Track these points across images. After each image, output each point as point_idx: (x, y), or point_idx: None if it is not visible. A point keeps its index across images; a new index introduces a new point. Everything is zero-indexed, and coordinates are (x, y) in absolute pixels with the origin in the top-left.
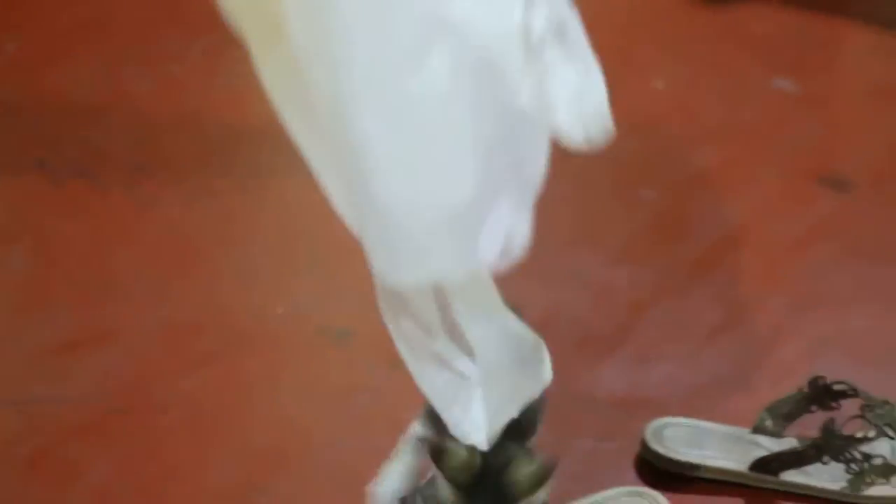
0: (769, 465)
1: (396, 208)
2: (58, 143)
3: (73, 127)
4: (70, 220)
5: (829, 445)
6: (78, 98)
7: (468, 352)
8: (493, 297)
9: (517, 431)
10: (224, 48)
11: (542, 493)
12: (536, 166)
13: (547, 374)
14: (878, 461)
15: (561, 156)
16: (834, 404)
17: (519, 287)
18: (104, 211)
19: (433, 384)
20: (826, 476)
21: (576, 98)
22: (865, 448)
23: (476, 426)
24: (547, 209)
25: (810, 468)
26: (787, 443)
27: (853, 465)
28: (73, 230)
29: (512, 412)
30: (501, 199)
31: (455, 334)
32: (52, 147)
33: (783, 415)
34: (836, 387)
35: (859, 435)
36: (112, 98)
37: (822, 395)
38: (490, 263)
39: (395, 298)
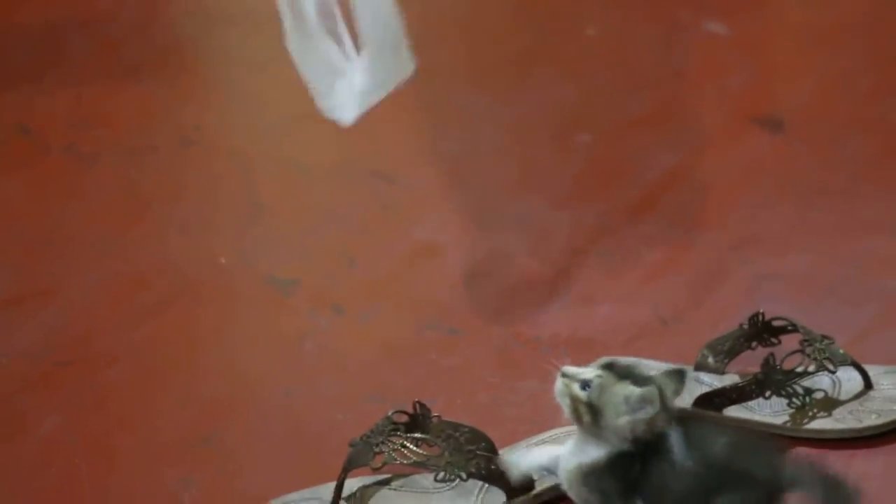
0: (712, 401)
1: None
2: None
3: (13, 85)
4: (10, 177)
5: (770, 380)
6: (16, 55)
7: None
8: None
9: None
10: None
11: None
12: None
13: (410, 63)
14: (819, 395)
15: (499, 106)
16: (774, 340)
17: (462, 233)
18: (45, 167)
19: (307, 56)
20: (768, 411)
21: None
22: (806, 382)
23: (346, 101)
24: (486, 157)
25: (752, 403)
26: (729, 379)
27: (795, 400)
28: (13, 187)
29: (381, 94)
30: None
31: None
32: None
33: (724, 351)
34: (776, 322)
35: (800, 369)
36: (50, 55)
37: (761, 331)
38: None
39: None
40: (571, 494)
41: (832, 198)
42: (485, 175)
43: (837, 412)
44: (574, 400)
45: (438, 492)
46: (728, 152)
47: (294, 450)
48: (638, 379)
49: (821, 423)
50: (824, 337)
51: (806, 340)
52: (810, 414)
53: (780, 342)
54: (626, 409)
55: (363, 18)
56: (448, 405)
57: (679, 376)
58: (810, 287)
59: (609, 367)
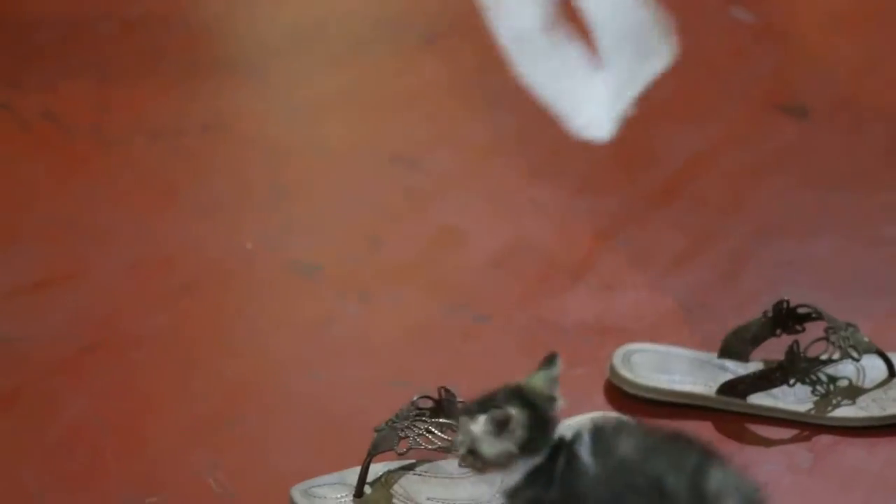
0: (736, 388)
1: None
2: (21, 85)
3: (38, 69)
4: (37, 161)
5: (794, 368)
6: (41, 40)
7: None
8: None
9: None
10: None
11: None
12: None
13: (666, 55)
14: (843, 383)
15: (521, 94)
16: (798, 327)
17: (485, 218)
18: (70, 151)
19: (547, 76)
20: (792, 398)
21: None
22: (830, 370)
23: (598, 113)
24: (510, 142)
25: (776, 391)
26: (753, 366)
27: (819, 387)
28: (40, 171)
29: (632, 94)
30: None
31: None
32: (16, 89)
33: (748, 339)
34: (801, 310)
35: (824, 357)
36: (75, 39)
37: (786, 318)
38: None
39: None
40: None
41: (857, 185)
42: (508, 161)
43: (861, 400)
44: (462, 458)
45: (463, 477)
46: (753, 139)
47: (319, 433)
48: (489, 406)
49: (844, 412)
50: (849, 324)
51: (830, 328)
52: (834, 402)
53: (804, 329)
54: (490, 438)
55: (601, 23)
56: (472, 391)
57: (549, 363)
58: (835, 274)
59: (469, 410)
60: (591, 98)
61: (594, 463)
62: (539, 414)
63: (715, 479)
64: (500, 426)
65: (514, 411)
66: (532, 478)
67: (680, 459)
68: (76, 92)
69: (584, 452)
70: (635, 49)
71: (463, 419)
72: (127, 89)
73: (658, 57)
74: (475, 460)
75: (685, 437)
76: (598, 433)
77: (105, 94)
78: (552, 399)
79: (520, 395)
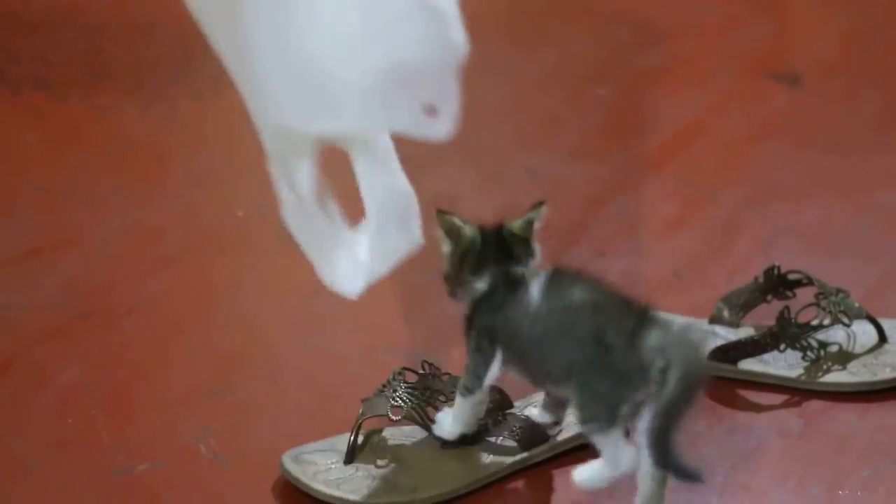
0: (727, 354)
1: (329, 65)
2: (14, 54)
3: (29, 38)
4: (29, 129)
5: (785, 333)
6: (33, 9)
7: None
8: (391, 157)
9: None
10: None
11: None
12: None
13: (418, 235)
14: (833, 348)
15: (516, 58)
16: (789, 293)
17: (478, 186)
18: (62, 119)
19: (308, 235)
20: (783, 364)
21: None
22: (821, 335)
23: (351, 276)
24: (503, 109)
25: (767, 356)
26: (744, 332)
27: (809, 353)
28: (32, 139)
29: (386, 266)
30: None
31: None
32: (8, 58)
33: (739, 305)
34: (791, 276)
35: (814, 322)
36: (67, 8)
37: (776, 284)
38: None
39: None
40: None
41: (848, 152)
42: (502, 129)
43: (852, 365)
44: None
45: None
46: (744, 107)
47: (309, 400)
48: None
49: (835, 377)
50: (839, 290)
51: (821, 293)
52: (825, 367)
53: (794, 295)
54: (443, 241)
55: (366, 190)
56: (463, 358)
57: (534, 207)
58: (826, 241)
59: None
60: (346, 257)
61: (541, 300)
62: (496, 243)
63: (653, 337)
64: (448, 233)
65: (460, 222)
66: (481, 305)
67: (623, 317)
68: (68, 60)
69: (535, 289)
70: (394, 226)
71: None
72: (120, 59)
73: (411, 238)
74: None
75: (634, 300)
76: (556, 276)
77: (98, 64)
78: (520, 236)
79: (490, 227)
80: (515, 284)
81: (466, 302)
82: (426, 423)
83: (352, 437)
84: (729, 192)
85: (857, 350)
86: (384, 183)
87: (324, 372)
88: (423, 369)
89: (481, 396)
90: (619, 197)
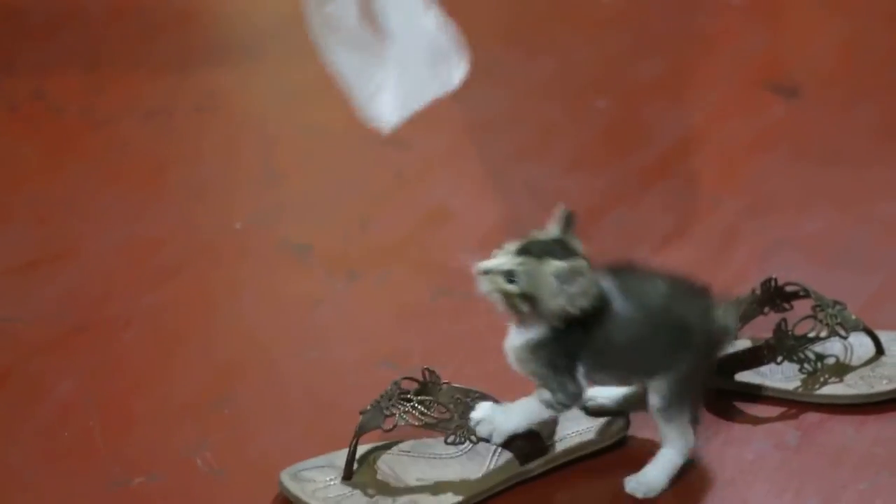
0: (724, 366)
1: None
2: (11, 66)
3: (27, 49)
4: (26, 140)
5: (782, 345)
6: (31, 20)
7: (383, 38)
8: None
9: None
10: None
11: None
12: None
13: (456, 77)
14: (830, 360)
15: (513, 70)
16: (786, 305)
17: (475, 198)
18: (60, 131)
19: (348, 66)
20: (780, 376)
21: None
22: (818, 348)
23: (385, 110)
24: (500, 122)
25: (764, 369)
26: (741, 344)
27: (806, 365)
28: (29, 151)
29: (419, 104)
30: None
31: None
32: (6, 69)
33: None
34: (788, 288)
35: (811, 335)
36: (64, 19)
37: (774, 296)
38: None
39: None
40: (519, 369)
41: (846, 164)
42: (499, 140)
43: (849, 378)
44: (507, 296)
45: (451, 457)
46: (743, 118)
47: (307, 413)
48: (558, 253)
49: (832, 389)
50: (836, 302)
51: (818, 306)
52: (822, 379)
53: (792, 307)
54: (559, 288)
55: (400, 28)
56: (460, 371)
57: (566, 219)
58: (823, 253)
59: (526, 250)
60: (384, 94)
61: (625, 307)
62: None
63: (717, 316)
64: (574, 276)
65: (585, 265)
66: (560, 334)
67: (693, 302)
68: (67, 73)
69: (616, 299)
70: (429, 60)
71: (528, 259)
72: (118, 70)
73: (450, 74)
74: (523, 306)
75: (695, 282)
76: (622, 277)
77: (96, 75)
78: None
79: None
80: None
81: (544, 329)
82: (424, 423)
83: (349, 453)
84: (727, 203)
85: (854, 362)
86: (416, 22)
87: (323, 384)
88: (424, 377)
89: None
90: (617, 208)
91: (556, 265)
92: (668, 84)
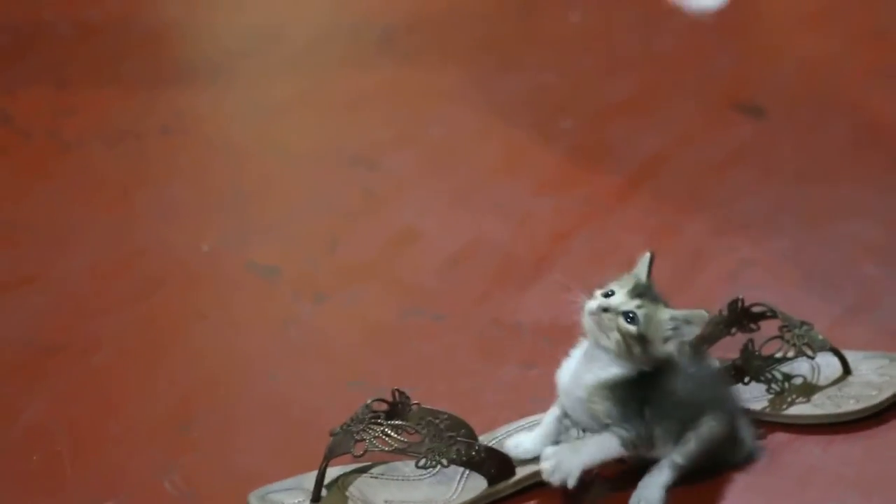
0: None
1: None
2: None
3: None
4: None
5: (749, 366)
6: None
7: None
8: None
9: None
10: None
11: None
12: None
13: None
14: (798, 381)
15: (482, 91)
16: (753, 326)
17: (444, 218)
18: (27, 154)
19: None
20: (747, 396)
21: None
22: (785, 368)
23: None
24: (468, 142)
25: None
26: None
27: (774, 385)
28: None
29: None
30: None
31: None
32: None
33: (703, 337)
34: (755, 309)
35: (779, 355)
36: (30, 42)
37: (741, 317)
38: None
39: None
40: (583, 405)
41: (813, 183)
42: (467, 160)
43: (816, 398)
44: (625, 336)
45: (420, 479)
46: (710, 138)
47: (277, 434)
48: (659, 299)
49: (799, 409)
50: (803, 323)
51: (785, 326)
52: (789, 399)
53: (759, 328)
54: (672, 333)
55: None
56: (430, 391)
57: (650, 263)
58: (790, 272)
59: (639, 293)
60: None
61: (688, 365)
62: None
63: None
64: (689, 325)
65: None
66: (640, 377)
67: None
68: (33, 95)
69: (685, 354)
70: None
71: (647, 303)
72: (85, 92)
73: None
74: (636, 347)
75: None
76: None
77: (63, 98)
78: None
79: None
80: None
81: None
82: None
83: (318, 476)
84: (695, 223)
85: (822, 382)
86: None
87: (292, 405)
88: (394, 398)
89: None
90: (585, 228)
91: (673, 312)
92: (635, 104)
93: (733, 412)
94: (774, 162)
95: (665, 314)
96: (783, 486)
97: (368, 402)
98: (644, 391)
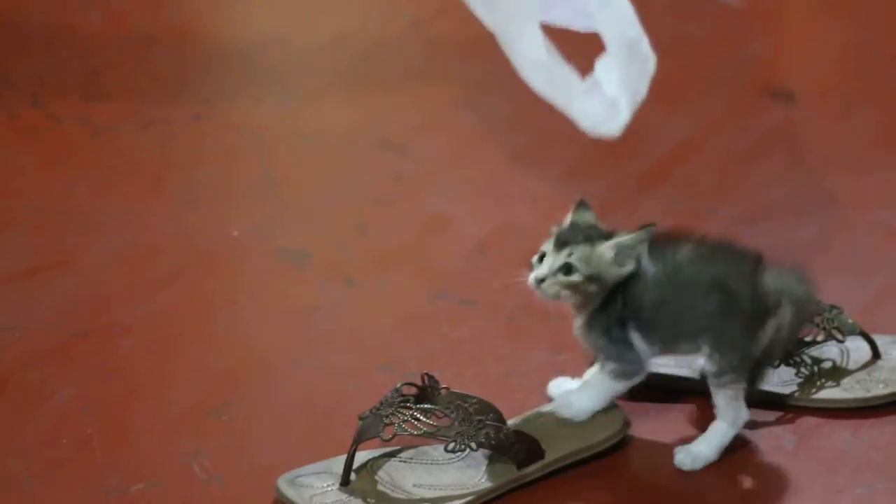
0: None
1: None
2: (9, 75)
3: (25, 58)
4: (24, 149)
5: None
6: (29, 30)
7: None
8: None
9: None
10: None
11: None
12: None
13: (652, 57)
14: (827, 364)
15: (511, 77)
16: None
17: (473, 204)
18: (58, 140)
19: (555, 90)
20: (777, 380)
21: None
22: (815, 352)
23: (608, 114)
24: (497, 128)
25: None
26: None
27: (803, 369)
28: (28, 160)
29: (639, 95)
30: None
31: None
32: (4, 78)
33: None
34: None
35: (808, 339)
36: (62, 28)
37: None
38: None
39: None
40: (587, 348)
41: (844, 170)
42: (496, 146)
43: (845, 382)
44: (574, 287)
45: (449, 463)
46: (740, 123)
47: (305, 420)
48: (601, 234)
49: (829, 393)
50: (833, 307)
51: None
52: (818, 384)
53: None
54: (618, 260)
55: (605, 26)
56: (458, 376)
57: (579, 205)
58: (819, 259)
59: (564, 241)
60: (596, 100)
61: (654, 268)
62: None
63: (769, 279)
64: (630, 250)
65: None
66: (605, 304)
67: (739, 264)
68: (64, 82)
69: (645, 261)
70: (633, 53)
71: (579, 247)
72: (115, 78)
73: (648, 63)
74: (592, 287)
75: (738, 246)
76: (654, 243)
77: (93, 85)
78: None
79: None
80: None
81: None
82: (423, 431)
83: (347, 460)
84: (724, 210)
85: (851, 366)
86: (615, 16)
87: (320, 390)
88: (423, 382)
89: (641, 379)
90: (613, 215)
91: (616, 240)
92: (664, 90)
93: (743, 298)
94: (804, 148)
95: (604, 246)
96: (812, 470)
97: (398, 385)
98: (618, 312)
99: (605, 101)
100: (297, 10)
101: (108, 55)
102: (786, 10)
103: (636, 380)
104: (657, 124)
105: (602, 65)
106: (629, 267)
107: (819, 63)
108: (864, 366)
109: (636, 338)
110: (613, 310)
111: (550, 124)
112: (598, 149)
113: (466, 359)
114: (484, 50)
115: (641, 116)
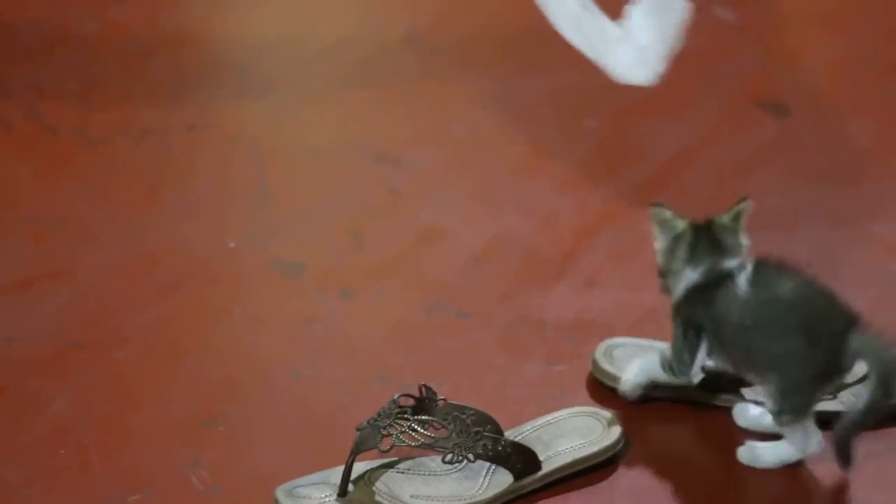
0: (718, 382)
1: None
2: (5, 86)
3: (21, 69)
4: (21, 160)
5: None
6: (25, 39)
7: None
8: None
9: None
10: None
11: None
12: None
13: (685, 11)
14: None
15: (506, 89)
16: None
17: (468, 215)
18: (54, 150)
19: (587, 40)
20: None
21: None
22: None
23: (638, 63)
24: (492, 140)
25: (758, 386)
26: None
27: None
28: (23, 170)
29: (668, 44)
30: None
31: None
32: (1, 88)
33: None
34: None
35: None
36: (58, 39)
37: None
38: None
39: None
40: None
41: (838, 182)
42: (491, 158)
43: (842, 396)
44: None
45: (446, 474)
46: (734, 136)
47: (302, 431)
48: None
49: (825, 405)
50: None
51: None
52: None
53: None
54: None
55: None
56: (455, 388)
57: (738, 202)
58: (817, 269)
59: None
60: (627, 48)
61: (749, 291)
62: (707, 236)
63: (858, 341)
64: (661, 226)
65: (671, 216)
66: (691, 296)
67: (832, 316)
68: (60, 92)
69: (743, 280)
70: (664, 4)
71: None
72: (111, 90)
73: (680, 12)
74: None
75: (843, 302)
76: (762, 268)
77: (89, 96)
78: (729, 229)
79: (700, 221)
80: (725, 276)
81: (677, 293)
82: (420, 443)
83: (345, 471)
84: None
85: (847, 379)
86: None
87: (317, 401)
88: (420, 393)
89: (685, 380)
90: (609, 226)
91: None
92: (658, 103)
93: (823, 349)
94: (798, 161)
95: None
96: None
97: (395, 397)
98: (699, 318)
99: (638, 49)
100: (292, 21)
101: (105, 65)
102: (779, 23)
103: (674, 380)
104: (652, 136)
105: (634, 13)
106: (689, 272)
107: (813, 75)
108: (859, 379)
109: (703, 349)
110: (697, 314)
111: (545, 136)
112: (593, 161)
113: (462, 370)
114: (479, 61)
115: (637, 128)
